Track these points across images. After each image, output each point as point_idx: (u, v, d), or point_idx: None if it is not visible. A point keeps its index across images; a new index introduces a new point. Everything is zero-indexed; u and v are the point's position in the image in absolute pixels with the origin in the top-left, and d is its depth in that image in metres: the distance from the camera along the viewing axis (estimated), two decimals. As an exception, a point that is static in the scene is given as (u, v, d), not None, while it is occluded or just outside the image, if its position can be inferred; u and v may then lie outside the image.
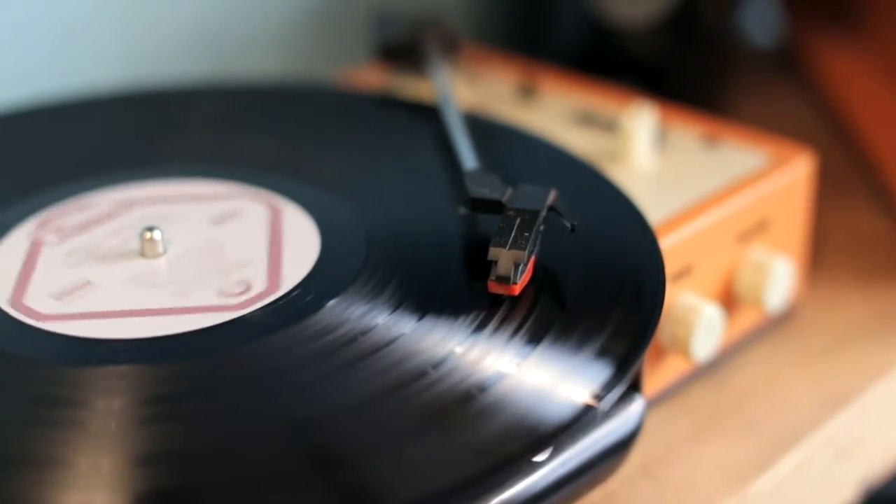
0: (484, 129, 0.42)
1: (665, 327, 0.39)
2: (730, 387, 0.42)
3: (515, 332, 0.32)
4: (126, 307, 0.33)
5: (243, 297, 0.34)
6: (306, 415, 0.30)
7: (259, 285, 0.34)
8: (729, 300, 0.42)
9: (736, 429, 0.40)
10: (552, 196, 0.35)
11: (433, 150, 0.41)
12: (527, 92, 0.49)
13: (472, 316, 0.32)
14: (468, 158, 0.39)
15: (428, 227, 0.37)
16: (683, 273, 0.40)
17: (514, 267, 0.33)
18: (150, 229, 0.36)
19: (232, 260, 0.35)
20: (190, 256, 0.36)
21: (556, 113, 0.47)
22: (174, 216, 0.38)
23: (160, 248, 0.36)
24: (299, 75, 0.58)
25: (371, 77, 0.51)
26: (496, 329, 0.32)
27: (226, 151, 0.42)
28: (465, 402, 0.30)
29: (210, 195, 0.39)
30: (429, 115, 0.44)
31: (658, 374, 0.40)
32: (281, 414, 0.30)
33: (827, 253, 0.49)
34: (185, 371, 0.31)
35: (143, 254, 0.36)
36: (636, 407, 0.32)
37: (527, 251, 0.33)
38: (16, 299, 0.34)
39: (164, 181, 0.40)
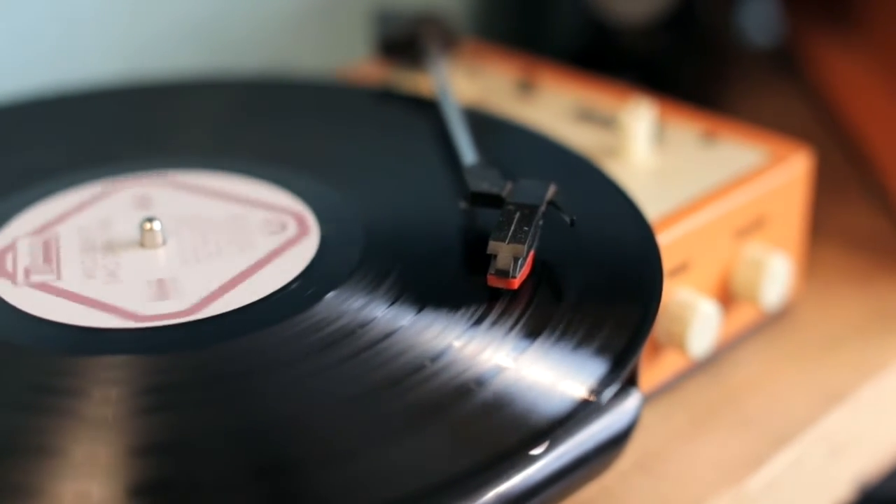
0: (483, 124, 0.42)
1: (661, 323, 0.39)
2: (725, 383, 0.42)
3: (514, 325, 0.32)
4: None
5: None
6: (305, 406, 0.30)
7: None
8: (726, 297, 0.42)
9: (731, 425, 0.40)
10: (551, 191, 0.35)
11: (433, 145, 0.41)
12: (526, 87, 0.49)
13: (470, 310, 0.32)
14: (468, 153, 0.39)
15: (427, 220, 0.37)
16: (680, 269, 0.40)
17: (514, 261, 0.33)
18: (150, 220, 0.36)
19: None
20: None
21: (555, 108, 0.47)
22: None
23: (159, 239, 0.36)
24: (300, 70, 0.58)
25: (371, 72, 0.51)
26: (494, 323, 0.32)
27: (224, 145, 0.42)
28: (463, 396, 0.30)
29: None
30: (428, 110, 0.44)
31: (654, 370, 0.40)
32: (280, 405, 0.30)
33: (823, 251, 0.49)
34: (182, 362, 0.31)
35: (142, 244, 0.36)
36: (633, 402, 0.32)
37: (526, 245, 0.33)
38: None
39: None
